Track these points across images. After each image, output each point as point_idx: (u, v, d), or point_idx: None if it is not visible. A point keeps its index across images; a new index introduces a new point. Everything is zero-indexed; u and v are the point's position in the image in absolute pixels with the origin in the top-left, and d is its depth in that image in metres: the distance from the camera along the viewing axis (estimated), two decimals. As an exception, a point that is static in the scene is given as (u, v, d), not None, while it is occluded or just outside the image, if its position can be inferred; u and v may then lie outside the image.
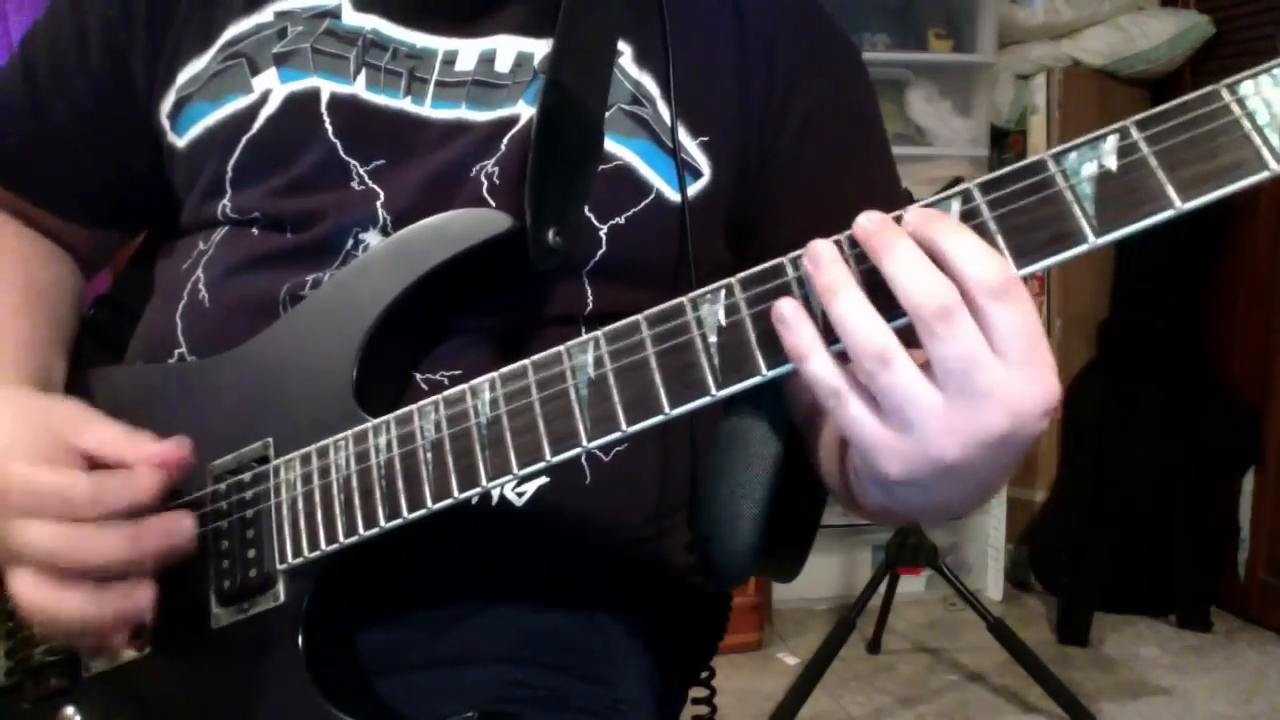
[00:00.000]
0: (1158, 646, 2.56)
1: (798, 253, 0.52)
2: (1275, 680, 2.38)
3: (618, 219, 0.73)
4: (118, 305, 0.87)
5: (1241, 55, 2.74)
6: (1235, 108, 0.46)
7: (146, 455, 0.63)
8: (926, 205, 0.51)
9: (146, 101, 0.80)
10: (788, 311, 0.51)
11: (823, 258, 0.50)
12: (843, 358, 0.50)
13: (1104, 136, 0.48)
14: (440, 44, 0.76)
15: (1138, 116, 0.48)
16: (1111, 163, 0.48)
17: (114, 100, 0.81)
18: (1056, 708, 2.15)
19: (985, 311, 0.47)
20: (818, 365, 0.50)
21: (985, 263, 0.47)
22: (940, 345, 0.47)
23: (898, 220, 0.50)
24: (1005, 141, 3.00)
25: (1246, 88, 0.46)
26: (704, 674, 0.83)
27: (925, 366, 0.49)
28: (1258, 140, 0.46)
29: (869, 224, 0.50)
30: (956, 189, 0.50)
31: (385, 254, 0.69)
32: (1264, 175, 0.46)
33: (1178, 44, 2.79)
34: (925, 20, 2.85)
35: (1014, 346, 0.47)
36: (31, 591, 0.61)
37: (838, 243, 0.51)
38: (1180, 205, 0.47)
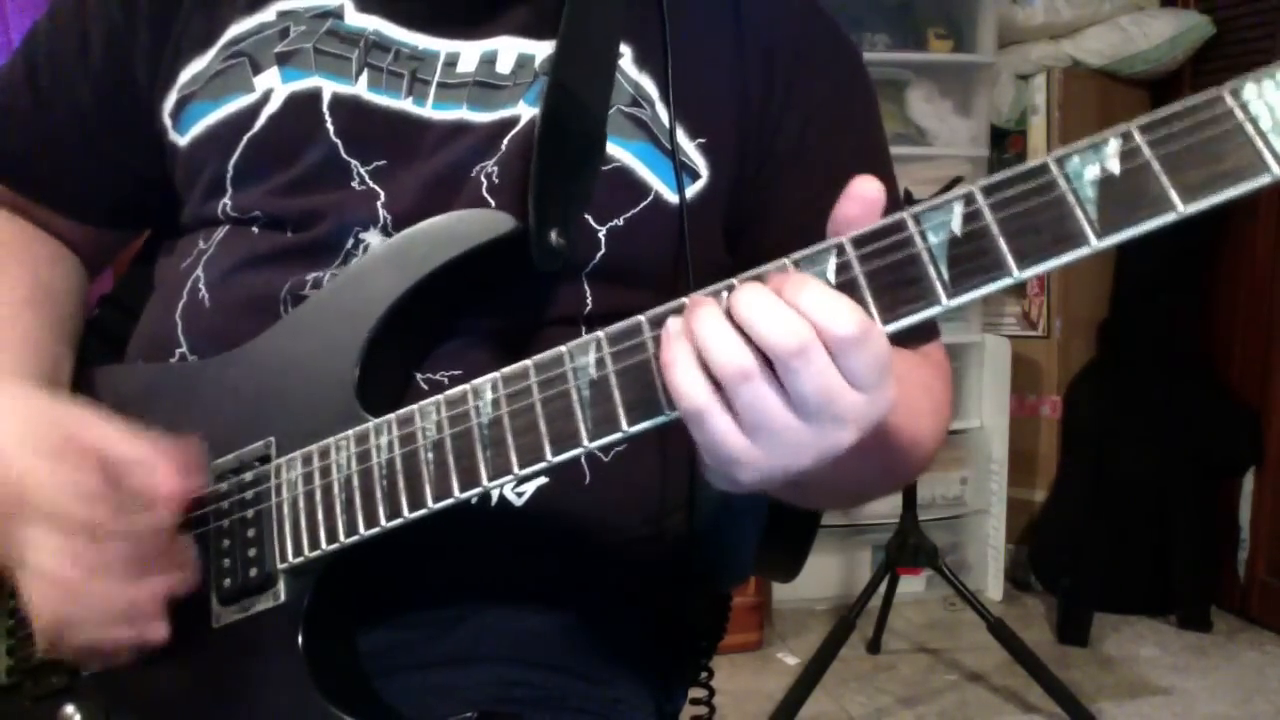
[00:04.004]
0: (1158, 646, 2.56)
1: (798, 254, 0.53)
2: (1275, 680, 2.39)
3: (616, 221, 0.73)
4: (121, 304, 0.87)
5: (1241, 55, 2.74)
6: (1238, 112, 0.46)
7: (164, 459, 0.63)
8: (929, 207, 0.51)
9: (148, 100, 0.80)
10: (673, 328, 0.52)
11: (695, 300, 0.53)
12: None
13: (1106, 140, 0.48)
14: (442, 46, 0.76)
15: (1140, 120, 0.48)
16: (1114, 166, 0.48)
17: (116, 99, 0.81)
18: (1056, 708, 2.15)
19: (842, 357, 0.49)
20: (680, 376, 0.51)
21: (840, 312, 0.49)
22: (798, 381, 0.49)
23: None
24: (1005, 141, 3.00)
25: (1249, 91, 0.46)
26: (703, 674, 0.83)
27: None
28: (1260, 144, 0.46)
29: (700, 294, 0.53)
30: (960, 192, 0.50)
31: (388, 254, 0.69)
32: (1266, 179, 0.46)
33: (1178, 44, 2.79)
34: (925, 20, 2.85)
35: (869, 380, 0.50)
36: (42, 602, 0.62)
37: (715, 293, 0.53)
38: (1182, 209, 0.47)
